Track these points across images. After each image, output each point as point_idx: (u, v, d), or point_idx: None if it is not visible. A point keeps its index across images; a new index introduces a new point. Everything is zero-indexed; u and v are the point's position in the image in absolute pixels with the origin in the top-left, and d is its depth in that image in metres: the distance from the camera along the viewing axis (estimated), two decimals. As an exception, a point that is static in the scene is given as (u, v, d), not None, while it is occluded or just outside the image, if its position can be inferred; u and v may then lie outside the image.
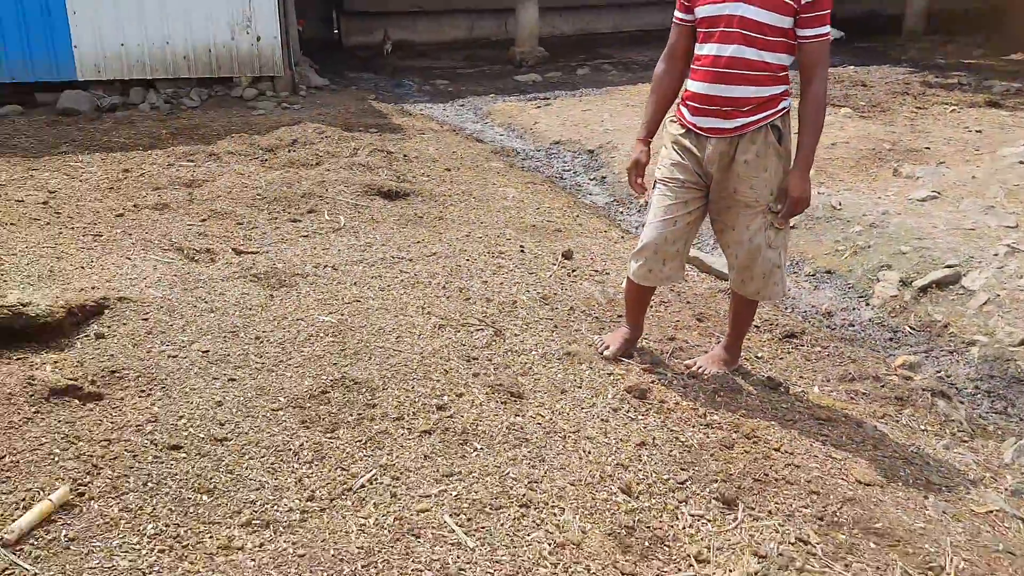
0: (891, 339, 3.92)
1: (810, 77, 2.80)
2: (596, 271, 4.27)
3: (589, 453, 2.63)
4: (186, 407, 2.65)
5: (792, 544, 2.27)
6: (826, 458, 2.66)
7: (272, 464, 2.43)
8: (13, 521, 2.04)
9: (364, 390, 2.87)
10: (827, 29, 2.75)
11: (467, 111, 9.00)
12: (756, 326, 3.73)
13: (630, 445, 2.68)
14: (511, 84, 10.34)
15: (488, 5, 13.40)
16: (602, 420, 2.82)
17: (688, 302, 3.98)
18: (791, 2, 2.69)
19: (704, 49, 2.87)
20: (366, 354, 3.13)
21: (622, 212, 5.83)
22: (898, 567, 2.18)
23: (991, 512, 2.45)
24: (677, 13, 3.01)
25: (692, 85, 2.93)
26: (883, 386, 3.22)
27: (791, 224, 3.33)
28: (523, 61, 11.44)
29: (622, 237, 4.96)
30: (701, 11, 2.85)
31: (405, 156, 6.45)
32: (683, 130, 2.98)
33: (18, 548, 2.00)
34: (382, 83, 10.47)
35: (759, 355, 3.47)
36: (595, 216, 5.57)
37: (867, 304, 4.26)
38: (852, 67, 10.32)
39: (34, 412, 2.49)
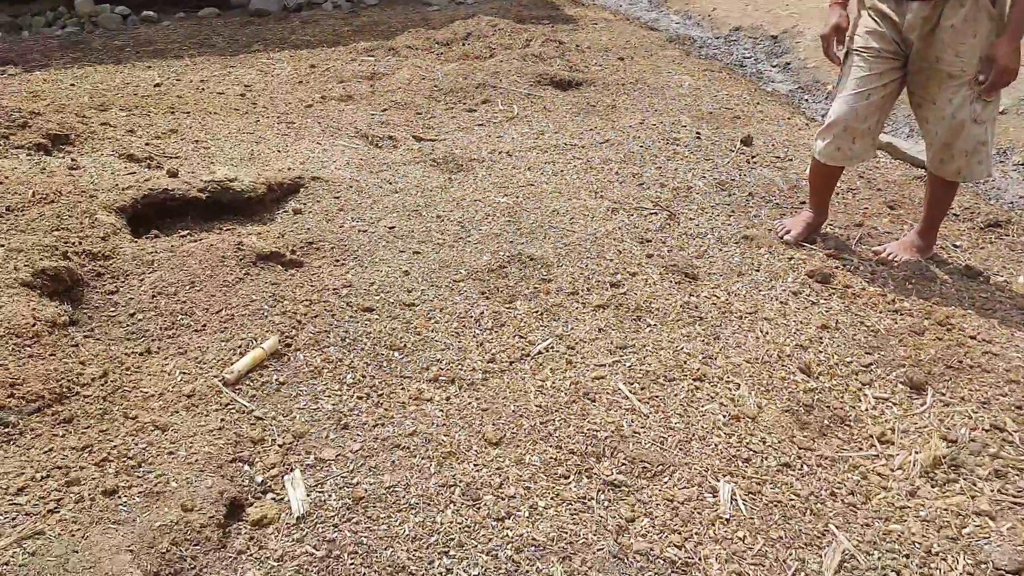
0: (1114, 233, 3.52)
1: None
2: (777, 158, 4.08)
3: (766, 333, 2.58)
4: (376, 275, 2.83)
5: (986, 431, 2.15)
6: (1030, 347, 2.48)
7: (455, 329, 2.56)
8: (232, 364, 2.28)
9: (539, 266, 2.94)
10: None
11: None
12: (955, 214, 3.47)
13: (811, 327, 2.60)
14: (688, -29, 9.81)
15: None
16: (781, 303, 2.75)
17: (879, 189, 3.74)
18: None
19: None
20: (541, 233, 3.19)
21: (807, 99, 5.49)
22: (1110, 459, 2.03)
23: None
24: None
25: (894, -56, 2.67)
26: (1102, 279, 2.93)
27: (999, 104, 3.02)
28: (701, -54, 10.79)
29: (807, 124, 4.69)
30: None
31: (577, 46, 6.34)
32: (883, -6, 2.74)
33: (236, 388, 2.24)
34: (553, -25, 10.24)
35: (957, 244, 3.23)
36: (777, 103, 5.29)
37: (1087, 196, 3.84)
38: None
39: (244, 273, 2.73)
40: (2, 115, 3.81)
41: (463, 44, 6.41)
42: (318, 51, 6.37)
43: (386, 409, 2.19)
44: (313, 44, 6.62)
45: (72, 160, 3.46)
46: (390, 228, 3.19)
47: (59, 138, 3.75)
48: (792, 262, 3.01)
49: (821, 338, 2.55)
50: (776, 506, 1.93)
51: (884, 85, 2.79)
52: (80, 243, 2.73)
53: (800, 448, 2.12)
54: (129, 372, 2.25)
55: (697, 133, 4.39)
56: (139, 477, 1.89)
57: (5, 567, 1.64)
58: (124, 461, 1.93)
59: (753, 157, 4.07)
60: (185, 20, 7.62)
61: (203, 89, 5.22)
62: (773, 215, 3.42)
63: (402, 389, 2.27)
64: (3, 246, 2.59)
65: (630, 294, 2.78)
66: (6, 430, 1.96)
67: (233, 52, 6.43)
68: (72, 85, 5.14)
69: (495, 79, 5.40)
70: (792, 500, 1.95)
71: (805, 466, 2.06)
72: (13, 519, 1.75)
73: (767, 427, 2.18)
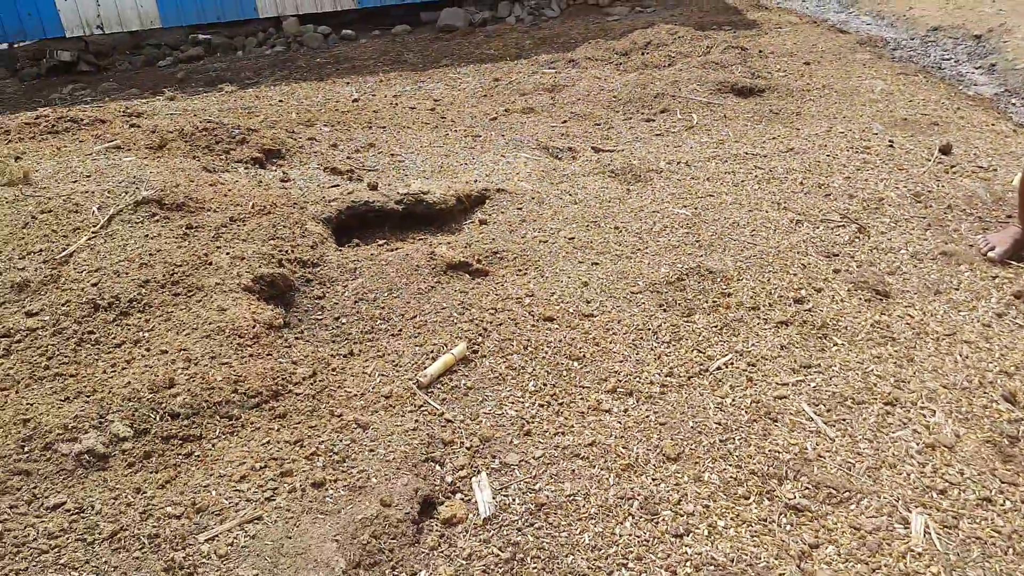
0: None
1: None
2: (980, 167, 3.82)
3: (966, 357, 2.44)
4: (556, 285, 2.92)
5: None
6: None
7: (633, 340, 2.60)
8: (425, 368, 2.44)
9: (719, 279, 2.92)
10: None
11: (830, 1, 8.31)
12: None
13: (1017, 353, 2.43)
14: (882, -33, 9.31)
15: None
16: (983, 325, 2.59)
17: (1100, 204, 3.42)
18: None
19: None
20: (720, 246, 3.17)
21: (1015, 103, 5.08)
22: None
23: None
24: None
25: None
26: None
27: None
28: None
29: (1014, 131, 4.35)
30: None
31: (760, 52, 6.19)
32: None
33: (429, 390, 2.40)
34: (737, -22, 10.03)
35: None
36: (980, 108, 4.93)
37: None
38: None
39: (436, 282, 2.91)
40: (224, 132, 4.25)
41: (642, 53, 6.42)
42: (501, 64, 6.61)
43: (566, 418, 2.27)
44: (496, 58, 6.87)
45: (284, 173, 3.80)
46: (569, 239, 3.27)
47: (272, 152, 4.13)
48: (997, 281, 2.82)
49: (1030, 364, 2.38)
50: (974, 542, 1.83)
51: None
52: (292, 251, 3.01)
53: (1003, 482, 2.00)
54: (335, 372, 2.46)
55: (890, 141, 4.19)
56: (344, 472, 2.08)
57: (230, 547, 1.85)
58: (330, 456, 2.12)
59: (952, 167, 3.83)
60: (379, 38, 8.11)
61: (396, 104, 5.55)
62: (975, 230, 3.21)
63: (581, 399, 2.34)
64: (228, 253, 2.90)
65: (815, 311, 2.71)
66: (231, 422, 2.21)
67: (423, 67, 6.79)
68: (280, 101, 5.63)
69: (674, 88, 5.38)
70: (993, 537, 1.85)
71: (1008, 501, 1.94)
72: (236, 504, 1.97)
73: (966, 458, 2.07)
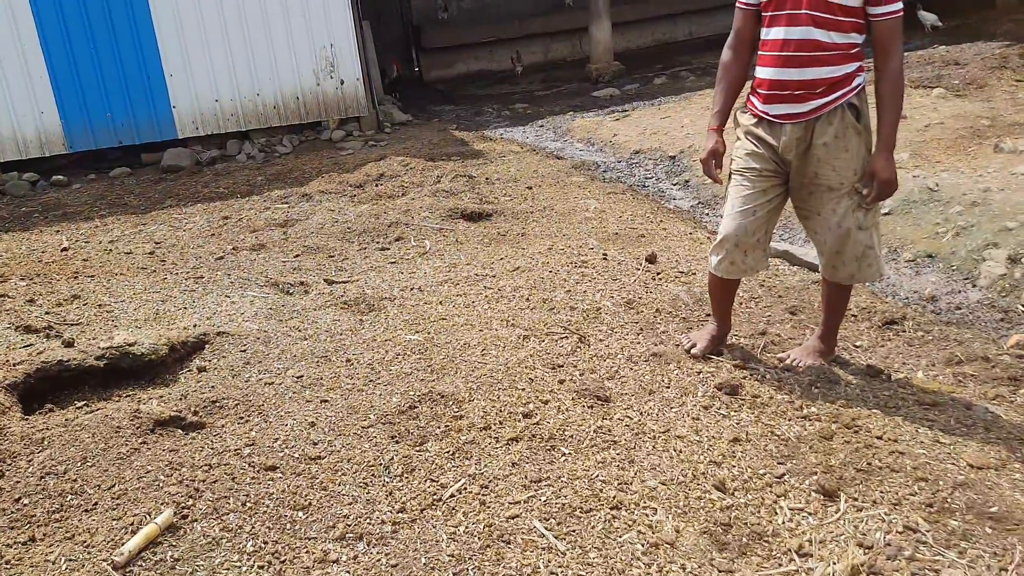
0: (1002, 319, 3.68)
1: (885, 55, 2.70)
2: (681, 272, 4.20)
3: (680, 452, 2.57)
4: (282, 430, 2.74)
5: (900, 533, 2.15)
6: (933, 443, 2.52)
7: (364, 479, 2.47)
8: (122, 545, 2.15)
9: (451, 403, 2.90)
10: (899, 6, 2.66)
11: (547, 131, 9.05)
12: (853, 315, 3.58)
13: (723, 442, 2.61)
14: (589, 100, 10.35)
15: (562, 27, 13.50)
16: (693, 418, 2.76)
17: (779, 296, 3.86)
18: None
19: (771, 33, 2.80)
20: (452, 368, 3.17)
21: (707, 214, 5.72)
22: (1017, 551, 2.03)
23: (1123, 488, 2.26)
24: (741, -2, 2.96)
25: (761, 72, 2.86)
26: (994, 367, 3.03)
27: (882, 207, 3.19)
28: (600, 77, 11.44)
29: (708, 238, 4.87)
30: None
31: (487, 179, 6.53)
32: (755, 120, 2.91)
33: (128, 570, 2.10)
34: (463, 113, 10.66)
35: (858, 344, 3.32)
36: (679, 220, 5.50)
37: (973, 286, 4.02)
38: (943, 47, 9.84)
39: (140, 443, 2.62)
40: None
41: (376, 185, 6.55)
42: (231, 202, 6.42)
43: (289, 576, 2.07)
44: (226, 195, 6.68)
45: (-38, 337, 3.34)
46: (298, 378, 3.12)
47: (-49, 315, 3.63)
48: (701, 376, 3.04)
49: (734, 452, 2.55)
50: (699, 638, 1.86)
51: (768, 201, 2.92)
52: (-37, 426, 2.59)
53: (720, 571, 2.08)
54: (10, 566, 2.09)
55: (604, 254, 4.50)
56: None
57: None
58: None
59: (658, 274, 4.17)
60: (97, 181, 7.63)
61: (111, 250, 5.17)
62: (680, 329, 3.48)
63: (307, 552, 2.16)
64: None
65: (543, 423, 2.76)
66: None
67: (145, 210, 6.43)
68: (-29, 257, 5.03)
69: (407, 216, 5.50)
70: (715, 630, 1.89)
71: (726, 590, 2.01)
72: None
73: (686, 552, 2.14)
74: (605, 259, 4.42)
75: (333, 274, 4.48)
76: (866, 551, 2.10)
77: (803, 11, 2.69)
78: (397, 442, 2.67)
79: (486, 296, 3.97)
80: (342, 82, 8.75)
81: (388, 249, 4.93)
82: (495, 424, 2.75)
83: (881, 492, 2.31)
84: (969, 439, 2.54)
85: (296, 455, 2.59)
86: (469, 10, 13.76)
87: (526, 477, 2.46)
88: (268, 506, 2.34)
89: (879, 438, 2.56)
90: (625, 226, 5.12)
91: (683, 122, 8.06)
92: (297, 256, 4.86)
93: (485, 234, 5.11)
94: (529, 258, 4.52)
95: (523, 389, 2.98)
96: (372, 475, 2.49)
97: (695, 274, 4.15)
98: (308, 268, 4.62)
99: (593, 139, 8.29)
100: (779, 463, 2.49)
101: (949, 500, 2.24)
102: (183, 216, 6.10)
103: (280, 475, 2.49)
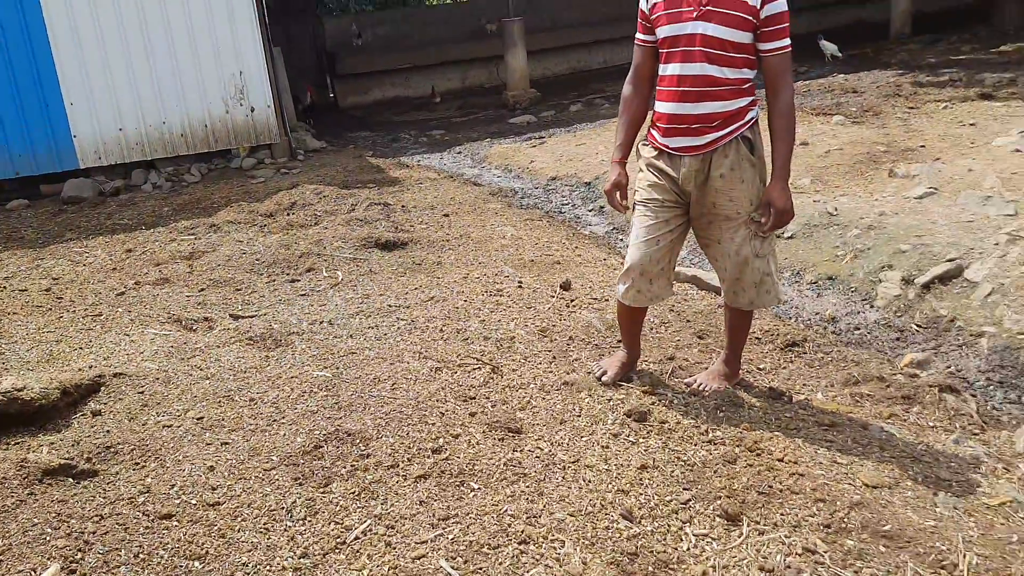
0: (898, 339, 3.84)
1: (776, 89, 2.81)
2: (595, 299, 4.24)
3: (589, 482, 2.57)
4: (179, 475, 2.64)
5: (799, 555, 2.19)
6: (831, 464, 2.59)
7: (265, 524, 2.39)
8: (4, 605, 2.02)
9: (358, 441, 2.84)
10: (787, 42, 2.77)
11: (464, 157, 9.07)
12: (757, 338, 3.67)
13: (631, 470, 2.62)
14: (506, 127, 10.43)
15: (479, 54, 13.60)
16: (602, 447, 2.77)
17: (688, 321, 3.94)
18: (750, 18, 2.71)
19: (668, 69, 2.88)
20: (360, 405, 3.11)
21: (621, 239, 5.81)
22: (909, 568, 2.09)
23: (1004, 504, 2.36)
24: (638, 35, 3.04)
25: (660, 106, 2.94)
26: (888, 386, 3.15)
27: (779, 233, 3.30)
28: (516, 104, 11.56)
29: (621, 264, 4.91)
30: (662, 31, 2.87)
31: (403, 206, 6.49)
32: (655, 152, 2.98)
33: (10, 632, 1.98)
34: (379, 140, 10.60)
35: (761, 366, 3.41)
36: (594, 246, 5.56)
37: (871, 306, 4.19)
38: (841, 76, 10.30)
39: (27, 494, 2.48)
40: None
41: (287, 214, 6.42)
42: (136, 234, 6.21)
43: (183, 631, 1.98)
44: (130, 227, 6.45)
45: None
46: (198, 420, 3.02)
47: None
48: (611, 403, 3.06)
49: (642, 479, 2.57)
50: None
51: (671, 230, 2.98)
52: None
53: (627, 603, 2.08)
54: None
55: (519, 282, 4.52)
56: None
57: None
58: None
59: (572, 301, 4.20)
60: (-10, 215, 7.27)
61: (4, 287, 4.93)
62: (593, 356, 3.50)
63: (202, 604, 2.07)
64: None
65: (452, 458, 2.73)
66: None
67: (43, 243, 6.16)
68: None
69: (319, 247, 5.41)
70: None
71: (632, 622, 2.01)
72: None
73: (593, 585, 2.13)
74: (520, 287, 4.43)
75: (239, 308, 4.37)
76: (767, 574, 2.13)
77: (697, 48, 2.77)
78: (300, 484, 2.60)
79: (399, 328, 3.93)
80: (252, 109, 8.60)
81: (298, 281, 4.84)
82: (403, 461, 2.71)
83: (782, 515, 2.36)
84: (865, 459, 2.62)
85: (193, 502, 2.49)
86: (385, 36, 13.74)
87: (434, 515, 2.43)
88: (162, 556, 2.24)
89: (780, 460, 2.62)
90: (541, 253, 5.15)
91: (598, 149, 8.19)
92: (202, 290, 4.72)
93: (400, 263, 5.06)
94: (444, 287, 4.50)
95: (433, 424, 2.95)
96: (274, 520, 2.42)
97: (608, 300, 4.20)
98: (213, 303, 4.49)
99: (510, 166, 8.34)
100: (685, 489, 2.52)
101: (846, 520, 2.30)
102: (83, 250, 5.86)
103: (176, 523, 2.39)
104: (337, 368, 3.47)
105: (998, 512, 2.33)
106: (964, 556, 2.11)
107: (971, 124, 6.89)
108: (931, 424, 2.88)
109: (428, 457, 2.73)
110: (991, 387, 3.31)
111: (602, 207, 6.66)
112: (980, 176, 5.29)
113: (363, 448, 2.80)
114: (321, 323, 4.06)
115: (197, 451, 2.79)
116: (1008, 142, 5.97)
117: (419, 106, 12.91)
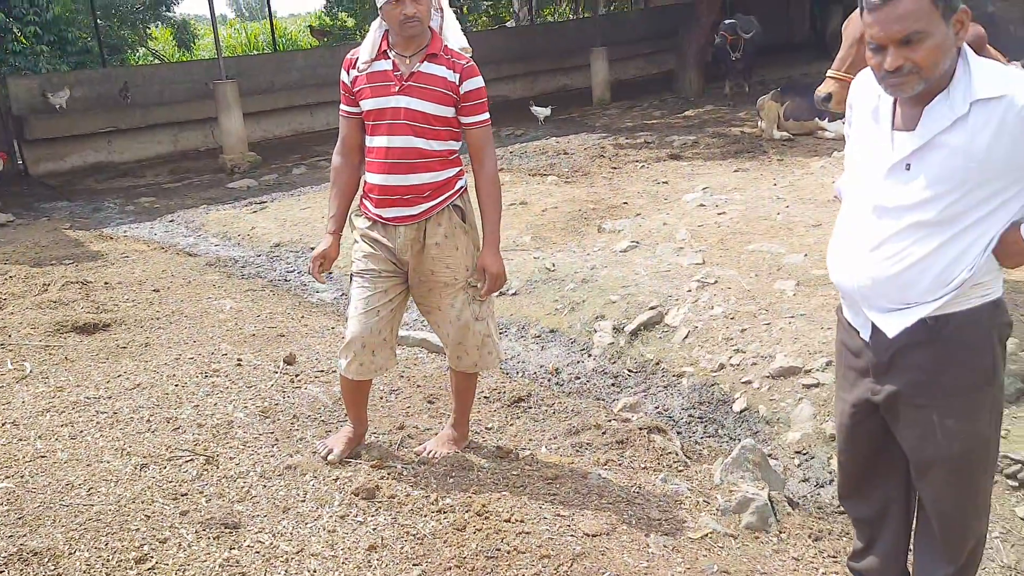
0: (613, 385, 4.09)
1: (480, 159, 2.92)
2: (321, 371, 4.09)
3: (314, 572, 2.42)
4: None
5: (530, 618, 2.20)
6: (555, 517, 2.66)
7: None
8: None
9: (46, 560, 2.46)
10: (486, 116, 2.91)
11: (177, 226, 8.50)
12: (485, 396, 3.73)
13: (359, 552, 2.51)
14: (224, 192, 9.95)
15: (191, 116, 12.91)
16: (328, 532, 2.62)
17: (418, 385, 3.91)
18: (450, 93, 2.82)
19: (375, 141, 2.90)
20: (49, 518, 2.70)
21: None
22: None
23: (706, 536, 2.55)
24: (343, 106, 3.04)
25: (370, 177, 2.93)
26: (604, 433, 3.32)
27: (503, 291, 3.41)
28: (235, 168, 11.09)
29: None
30: (366, 104, 2.89)
31: (106, 284, 5.91)
32: (369, 223, 2.97)
33: None
34: (79, 210, 9.62)
35: (489, 426, 3.45)
36: (322, 314, 5.42)
37: (589, 355, 4.44)
38: (554, 138, 11.09)
39: None
40: None
41: (-38, 300, 5.58)
42: None
43: None
44: None
45: None
46: None
47: None
48: (338, 483, 2.93)
49: (370, 561, 2.46)
50: None
51: (390, 300, 2.96)
52: None
53: None
54: None
55: (238, 360, 4.24)
56: None
57: None
58: None
59: (297, 376, 4.02)
60: None
61: None
62: (319, 434, 3.35)
63: None
64: None
65: (160, 566, 2.44)
66: None
67: None
68: None
69: (3, 336, 4.74)
70: None
71: None
72: None
73: None
74: (239, 365, 4.16)
75: None
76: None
77: (402, 121, 2.81)
78: (-33, 626, 2.19)
79: (98, 422, 3.50)
80: (-82, 180, 7.46)
81: (-27, 378, 4.18)
82: (100, 578, 2.38)
83: (509, 576, 2.37)
84: (585, 508, 2.72)
85: None
86: (83, 99, 12.59)
87: (136, 638, 2.14)
88: None
89: (507, 521, 2.64)
90: (263, 326, 4.91)
91: (323, 212, 8.05)
92: None
93: (102, 348, 4.56)
94: (153, 372, 4.11)
95: (137, 529, 2.63)
96: None
97: (335, 372, 4.06)
98: None
99: (230, 233, 7.94)
100: (415, 564, 2.45)
101: (569, 573, 2.36)
102: None
103: None
104: (22, 476, 3.00)
105: (701, 544, 2.51)
106: (674, 594, 2.24)
107: (664, 182, 7.69)
108: (643, 466, 3.07)
109: (131, 569, 2.43)
110: (692, 423, 3.62)
111: (330, 273, 6.50)
112: (673, 229, 5.88)
113: (52, 568, 2.42)
114: (3, 425, 3.52)
115: None
116: (694, 197, 6.72)
117: (125, 172, 11.93)
